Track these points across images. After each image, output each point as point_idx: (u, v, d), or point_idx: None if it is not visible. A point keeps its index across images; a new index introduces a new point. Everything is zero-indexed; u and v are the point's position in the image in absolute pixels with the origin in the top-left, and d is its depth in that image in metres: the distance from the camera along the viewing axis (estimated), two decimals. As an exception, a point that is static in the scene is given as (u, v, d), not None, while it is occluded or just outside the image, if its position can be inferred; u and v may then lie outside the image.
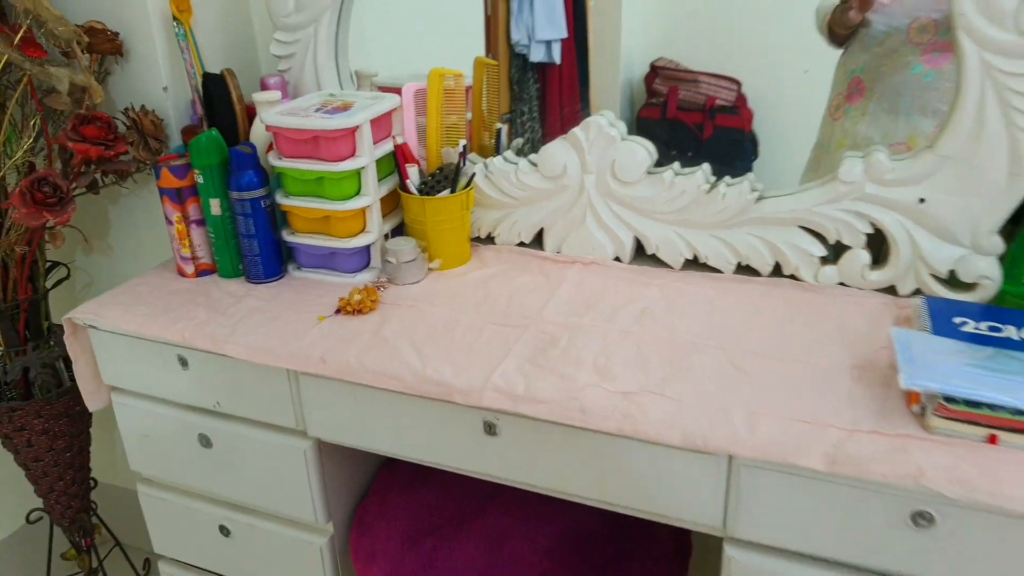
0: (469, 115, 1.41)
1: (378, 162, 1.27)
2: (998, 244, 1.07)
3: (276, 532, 1.29)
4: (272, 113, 1.24)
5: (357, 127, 1.21)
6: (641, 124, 2.36)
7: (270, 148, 1.29)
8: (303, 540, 1.27)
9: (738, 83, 2.15)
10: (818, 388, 0.95)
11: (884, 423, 0.88)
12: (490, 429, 1.03)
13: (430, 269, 1.28)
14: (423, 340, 1.10)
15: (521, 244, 1.36)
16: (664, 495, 0.97)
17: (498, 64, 1.40)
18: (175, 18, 1.35)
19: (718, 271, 1.24)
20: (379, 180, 1.28)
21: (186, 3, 1.36)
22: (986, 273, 1.09)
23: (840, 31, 1.23)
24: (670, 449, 0.93)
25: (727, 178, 1.23)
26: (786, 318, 1.11)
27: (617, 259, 1.30)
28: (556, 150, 1.28)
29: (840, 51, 1.26)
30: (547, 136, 2.25)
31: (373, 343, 1.10)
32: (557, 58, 2.15)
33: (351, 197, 1.24)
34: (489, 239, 1.38)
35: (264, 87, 1.38)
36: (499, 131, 1.42)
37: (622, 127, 1.27)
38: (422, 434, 1.08)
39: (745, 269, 1.24)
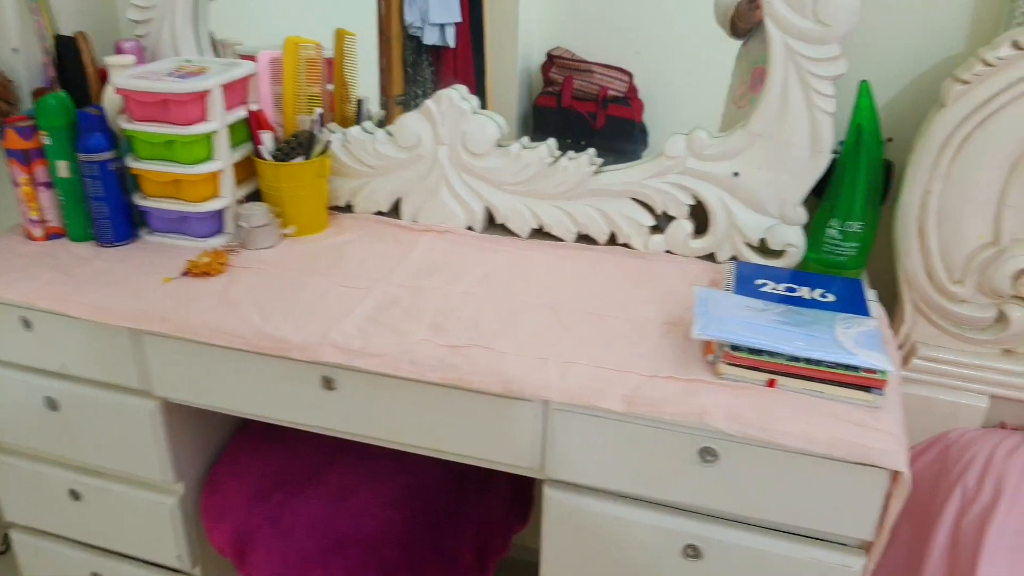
0: (331, 86, 1.44)
1: (233, 129, 1.29)
2: (802, 215, 1.18)
3: (126, 494, 1.29)
4: (123, 76, 1.24)
5: (208, 91, 1.22)
6: (538, 112, 2.43)
7: (123, 112, 1.29)
8: (153, 500, 1.28)
9: (629, 75, 2.24)
10: (629, 341, 1.04)
11: (680, 370, 0.97)
12: (328, 384, 1.07)
13: (284, 235, 1.31)
14: (268, 300, 1.13)
15: (379, 213, 1.40)
16: (490, 441, 1.04)
17: (356, 35, 1.43)
18: (25, -22, 1.33)
19: (561, 239, 1.32)
20: (233, 146, 1.30)
21: (37, -37, 1.35)
22: (792, 241, 1.19)
23: (744, 26, 1.28)
24: (493, 397, 0.99)
25: (570, 152, 1.30)
26: (615, 282, 1.19)
27: (470, 228, 1.36)
28: (411, 121, 1.33)
29: (739, 42, 1.30)
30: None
31: (217, 303, 1.12)
32: (451, 42, 2.18)
33: (202, 161, 1.25)
34: (348, 208, 1.42)
35: (119, 51, 1.37)
36: (360, 102, 1.45)
37: (474, 101, 1.33)
38: (263, 391, 1.12)
39: (585, 238, 1.31)
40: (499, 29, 2.37)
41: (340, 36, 1.41)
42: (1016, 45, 1.01)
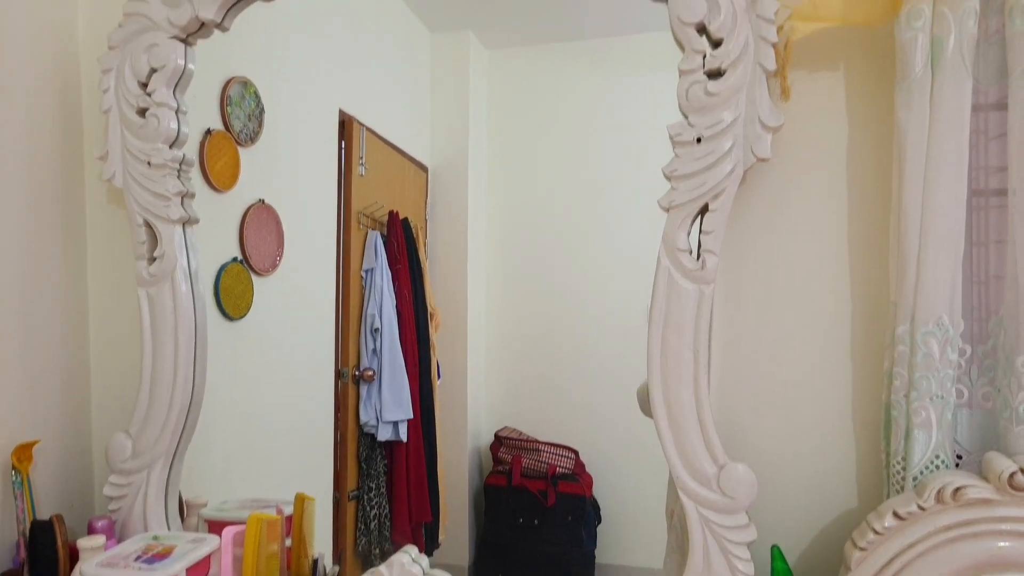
0: (289, 541, 1.52)
1: (193, 602, 1.34)
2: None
3: None
4: (92, 564, 1.31)
5: (173, 577, 1.30)
6: (489, 492, 2.52)
7: (88, 595, 1.34)
8: None
9: (575, 451, 2.39)
10: None
11: None
12: None
13: None
14: None
15: (333, 677, 1.41)
16: None
17: (315, 499, 1.55)
18: (14, 467, 1.46)
19: None
20: (192, 622, 1.34)
21: (27, 452, 1.48)
22: None
23: None
24: None
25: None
26: None
27: None
28: (365, 583, 1.39)
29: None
30: (394, 513, 2.35)
31: None
32: (404, 436, 2.33)
33: (161, 644, 1.29)
34: (303, 673, 1.42)
35: (91, 530, 1.46)
36: (316, 560, 1.53)
37: (424, 562, 1.41)
38: None
39: None
40: (449, 417, 2.56)
41: (300, 500, 1.53)
42: (896, 515, 1.15)
